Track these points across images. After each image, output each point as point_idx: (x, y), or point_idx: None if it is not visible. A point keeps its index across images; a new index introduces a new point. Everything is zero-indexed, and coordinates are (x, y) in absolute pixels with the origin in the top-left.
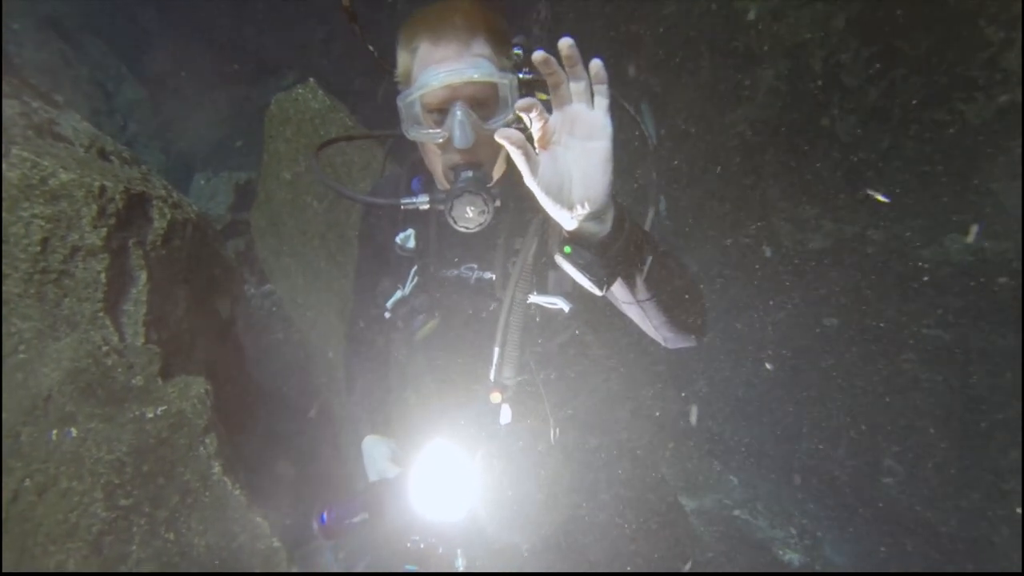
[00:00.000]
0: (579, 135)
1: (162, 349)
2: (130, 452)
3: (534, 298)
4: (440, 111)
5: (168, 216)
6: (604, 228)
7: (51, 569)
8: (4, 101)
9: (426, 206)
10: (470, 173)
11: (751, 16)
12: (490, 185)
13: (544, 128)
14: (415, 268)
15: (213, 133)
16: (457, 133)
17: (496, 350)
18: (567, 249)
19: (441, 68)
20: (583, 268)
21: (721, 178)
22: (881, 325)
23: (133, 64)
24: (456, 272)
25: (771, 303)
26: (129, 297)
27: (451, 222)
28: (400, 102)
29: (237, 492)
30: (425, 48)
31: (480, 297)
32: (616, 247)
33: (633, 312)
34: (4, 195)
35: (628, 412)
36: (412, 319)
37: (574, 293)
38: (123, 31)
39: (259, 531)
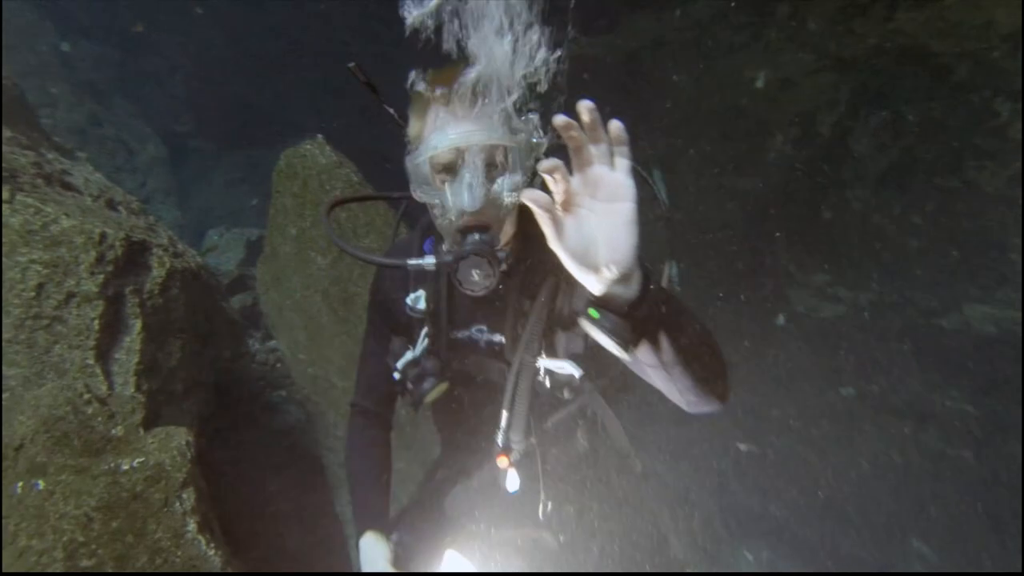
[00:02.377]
0: (602, 197)
1: (151, 399)
2: (99, 507)
3: (543, 362)
4: (449, 172)
5: (167, 265)
6: (631, 291)
7: None
8: (20, 153)
9: (432, 267)
10: (477, 236)
11: (760, 84)
12: (498, 248)
13: (567, 191)
14: (425, 330)
15: (229, 191)
16: (465, 196)
17: (504, 413)
18: (593, 313)
19: (451, 129)
20: (610, 332)
21: (731, 244)
22: (901, 397)
23: (157, 125)
24: (466, 334)
25: (784, 372)
26: (122, 345)
27: (457, 284)
28: (409, 162)
29: (212, 552)
30: (434, 110)
31: (490, 360)
32: (643, 309)
33: (657, 376)
34: (6, 239)
35: (637, 482)
36: (421, 382)
37: (585, 357)
38: (151, 95)
39: None
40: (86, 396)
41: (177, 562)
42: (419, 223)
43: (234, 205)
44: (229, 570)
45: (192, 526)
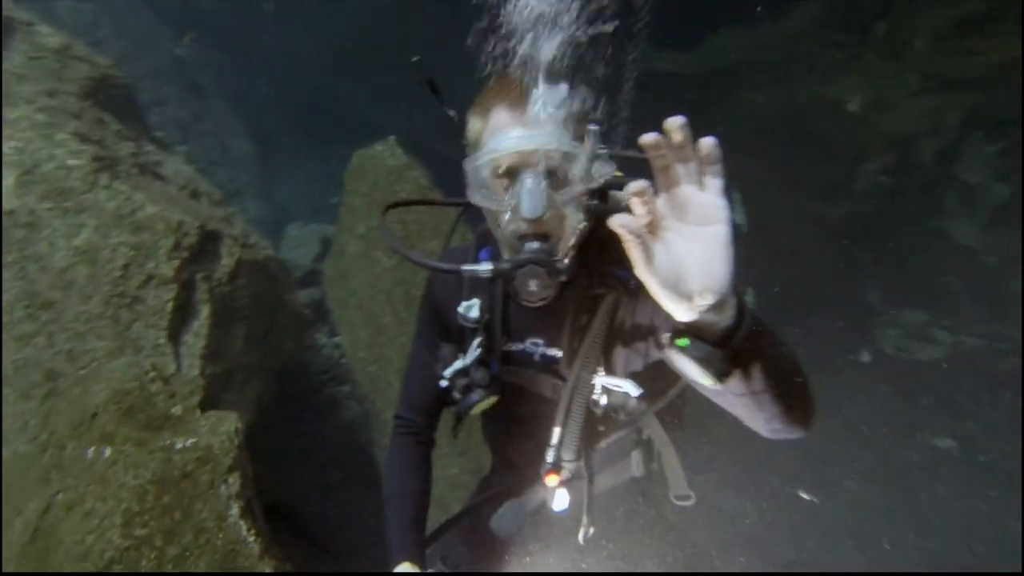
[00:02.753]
0: (692, 220)
1: (212, 383)
2: (154, 480)
3: (600, 379)
4: (509, 177)
5: (236, 255)
6: (724, 318)
7: None
8: (123, 144)
9: (488, 275)
10: (536, 245)
11: (853, 107)
12: (557, 259)
13: (653, 213)
14: (477, 340)
15: (312, 188)
16: (526, 202)
17: (556, 430)
18: (682, 342)
19: (513, 133)
20: (702, 362)
21: (814, 274)
22: (1005, 455)
23: (249, 123)
24: (520, 347)
25: (864, 415)
26: (190, 328)
27: (513, 294)
28: (467, 166)
29: (252, 539)
30: (497, 112)
31: (543, 374)
32: (739, 338)
33: (741, 403)
34: (99, 222)
35: (690, 516)
36: (469, 392)
37: (643, 377)
38: (246, 95)
39: None
40: (152, 374)
41: (219, 544)
42: (477, 231)
43: (315, 202)
44: (267, 558)
45: (235, 510)
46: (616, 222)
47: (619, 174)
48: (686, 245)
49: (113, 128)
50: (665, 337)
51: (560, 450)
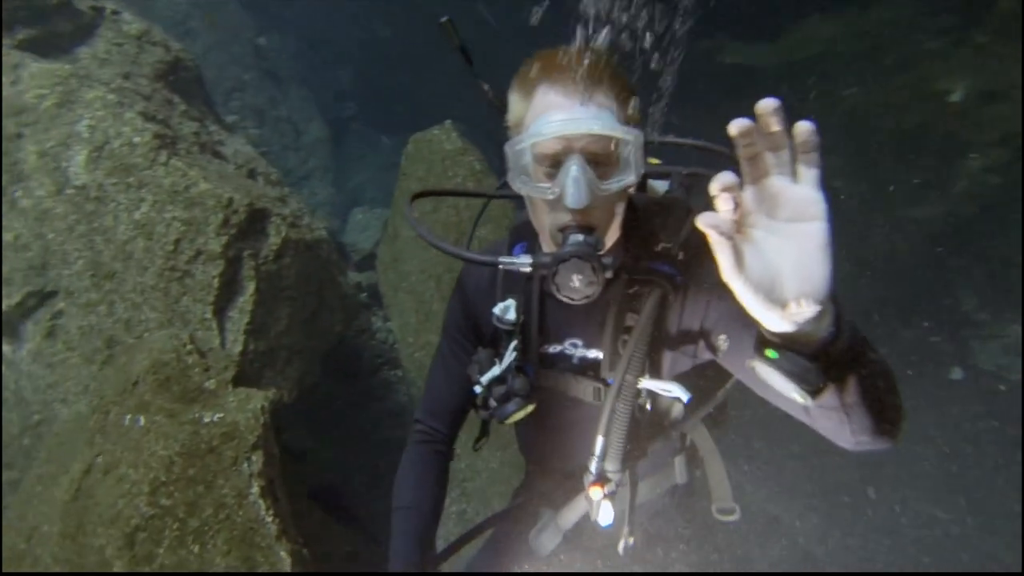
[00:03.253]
0: (783, 216)
1: (255, 360)
2: (182, 452)
3: (646, 383)
4: (553, 164)
5: (283, 234)
6: (821, 328)
7: (96, 550)
8: (187, 123)
9: (528, 268)
10: (580, 237)
11: (955, 98)
12: (602, 252)
13: (742, 209)
14: (514, 343)
15: (382, 174)
16: (571, 190)
17: (600, 439)
18: (771, 353)
19: (558, 116)
20: (794, 376)
21: (901, 279)
22: None
23: (324, 109)
24: (559, 348)
25: (954, 436)
26: (236, 304)
27: (554, 290)
28: (508, 149)
29: (270, 519)
30: (542, 93)
31: (583, 378)
32: (837, 350)
33: (829, 418)
34: (156, 197)
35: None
36: (506, 402)
37: (691, 378)
38: (325, 83)
39: (280, 565)
40: (189, 347)
41: (238, 520)
42: (513, 225)
43: (386, 188)
44: (284, 540)
45: (256, 489)
46: (705, 221)
47: (655, 161)
48: (779, 245)
49: (180, 108)
50: (734, 344)
51: (604, 460)
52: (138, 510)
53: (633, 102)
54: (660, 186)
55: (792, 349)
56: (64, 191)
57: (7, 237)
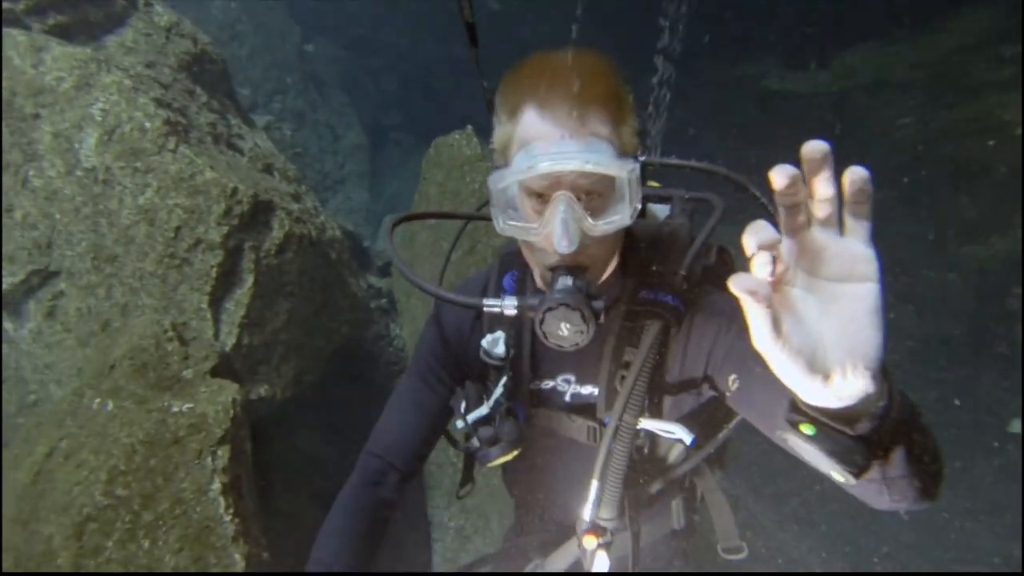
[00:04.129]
0: (828, 275)
1: (249, 354)
2: (145, 441)
3: (646, 424)
4: (541, 198)
5: (287, 228)
6: (869, 402)
7: (44, 539)
8: (204, 114)
9: (513, 311)
10: (570, 281)
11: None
12: (593, 296)
13: (778, 266)
14: (503, 380)
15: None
16: (558, 232)
17: (595, 484)
18: (807, 429)
19: (547, 148)
20: (836, 456)
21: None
22: None
23: (364, 116)
24: (551, 384)
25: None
26: (233, 296)
27: (542, 336)
28: (492, 185)
29: (228, 518)
30: (528, 118)
31: (577, 417)
32: (887, 426)
33: (867, 488)
34: (161, 183)
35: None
36: (492, 445)
37: (698, 419)
38: (365, 90)
39: (233, 568)
40: (169, 334)
41: (194, 517)
42: (500, 253)
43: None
44: (241, 542)
45: (217, 485)
46: (739, 286)
47: (655, 184)
48: (822, 308)
49: (201, 99)
50: (778, 415)
51: (599, 507)
52: (92, 499)
53: (631, 122)
54: (660, 210)
55: (834, 426)
56: (74, 172)
57: (16, 215)
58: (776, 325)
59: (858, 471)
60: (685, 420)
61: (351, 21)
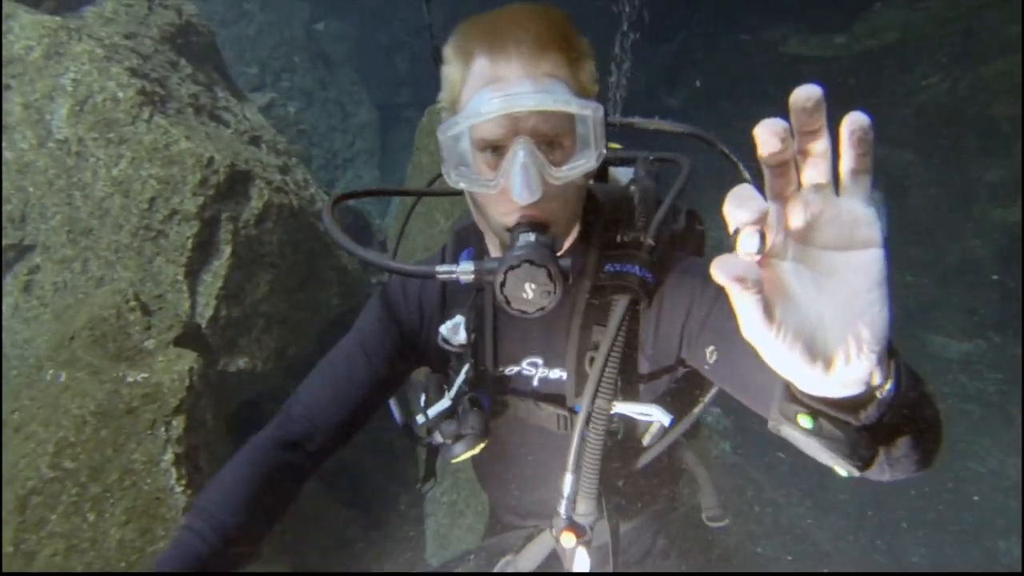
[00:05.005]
0: (823, 243)
1: (227, 326)
2: (97, 412)
3: (620, 407)
4: (496, 149)
5: (266, 198)
6: (874, 386)
7: None
8: (186, 86)
9: (470, 277)
10: (532, 236)
11: None
12: (560, 253)
13: (767, 239)
14: (465, 368)
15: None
16: (518, 181)
17: (568, 477)
18: (806, 420)
19: (500, 90)
20: (839, 450)
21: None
22: None
23: (375, 94)
24: (515, 369)
25: None
26: (210, 268)
27: (503, 303)
28: (441, 134)
29: (180, 489)
30: (480, 62)
31: (546, 404)
32: (892, 413)
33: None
34: (135, 154)
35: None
36: (456, 441)
37: (675, 398)
38: (376, 69)
39: None
40: (132, 303)
41: (145, 489)
42: (455, 228)
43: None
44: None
45: (169, 456)
46: (724, 274)
47: (615, 146)
48: (819, 283)
49: (186, 71)
50: (765, 393)
51: (575, 501)
52: (37, 471)
53: (589, 67)
54: (623, 174)
55: (835, 415)
56: (46, 144)
57: None
58: (768, 310)
59: (863, 464)
60: (662, 399)
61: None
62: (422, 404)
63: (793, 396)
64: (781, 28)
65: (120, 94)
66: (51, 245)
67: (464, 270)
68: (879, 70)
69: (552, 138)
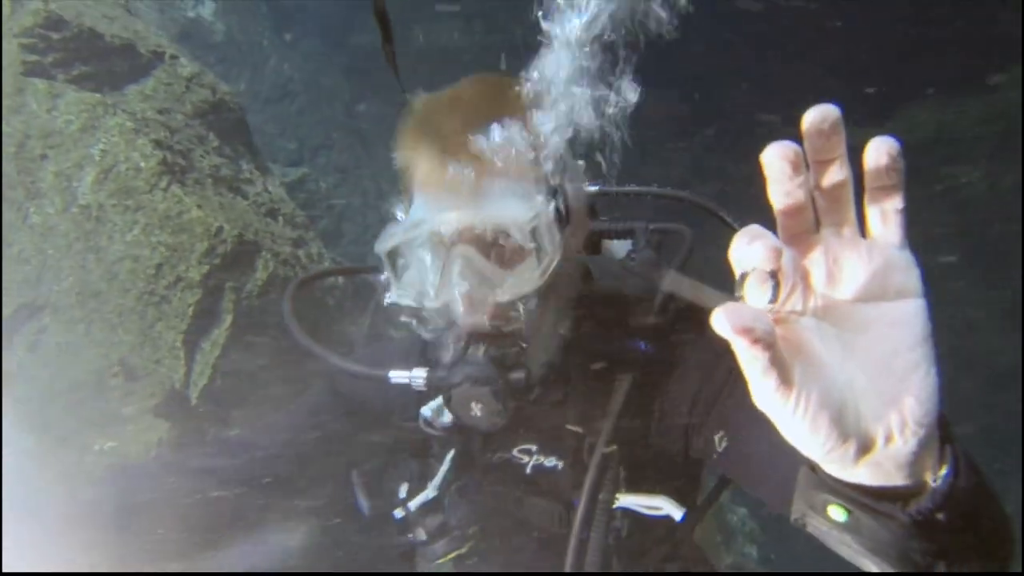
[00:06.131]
0: (851, 294)
1: (223, 395)
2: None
3: (625, 499)
4: (435, 262)
5: (270, 269)
6: (924, 472)
7: None
8: (212, 159)
9: (421, 385)
10: (480, 352)
11: None
12: (512, 364)
13: (781, 288)
14: (450, 455)
15: None
16: (458, 304)
17: None
18: (839, 512)
19: (436, 199)
20: (881, 553)
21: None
22: None
23: None
24: (506, 456)
25: None
26: (209, 336)
27: (456, 417)
28: (378, 247)
29: None
30: (420, 161)
31: (541, 498)
32: (949, 506)
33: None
34: (148, 220)
35: None
36: (439, 538)
37: (687, 485)
38: None
39: None
40: (115, 369)
41: None
42: None
43: None
44: None
45: None
46: (727, 325)
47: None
48: (848, 343)
49: (212, 144)
50: (787, 486)
51: None
52: None
53: (543, 150)
54: (620, 247)
55: (877, 508)
56: (69, 209)
57: (12, 251)
58: (784, 374)
59: (914, 569)
60: (671, 489)
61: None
62: (402, 495)
63: (822, 481)
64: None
65: (142, 164)
66: (60, 306)
67: (416, 377)
68: (916, 165)
69: (497, 241)
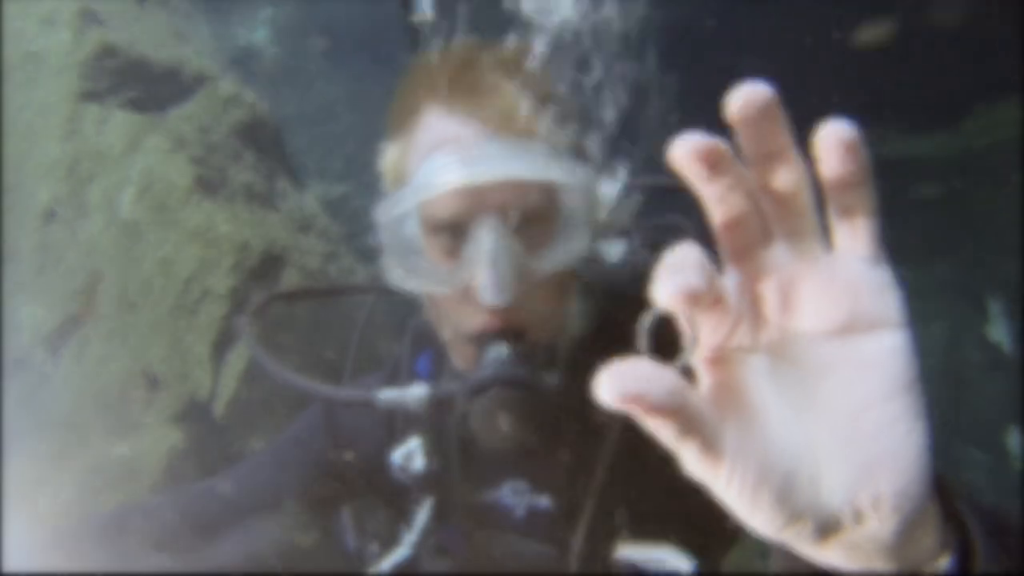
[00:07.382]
0: (810, 324)
1: (248, 407)
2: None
3: (626, 551)
4: (455, 233)
5: (296, 283)
6: (919, 558)
7: None
8: (247, 175)
9: (420, 406)
10: (505, 350)
11: None
12: (541, 362)
13: (719, 324)
14: (429, 503)
15: None
16: (486, 278)
17: None
18: None
19: (459, 153)
20: None
21: None
22: None
23: None
24: (494, 496)
25: None
26: (235, 348)
27: (475, 436)
28: (381, 217)
29: None
30: (428, 120)
31: (533, 543)
32: None
33: None
34: (180, 235)
35: None
36: None
37: (700, 533)
38: None
39: None
40: (141, 379)
41: None
42: (410, 327)
43: None
44: None
45: None
46: (610, 390)
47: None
48: (806, 390)
49: (248, 161)
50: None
51: None
52: None
53: (571, 125)
54: (612, 250)
55: None
56: (111, 225)
57: (61, 267)
58: (708, 440)
59: None
60: (679, 537)
61: None
62: (375, 554)
63: (796, 558)
64: (878, 129)
65: (179, 181)
66: (102, 318)
67: (414, 398)
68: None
69: (529, 216)
